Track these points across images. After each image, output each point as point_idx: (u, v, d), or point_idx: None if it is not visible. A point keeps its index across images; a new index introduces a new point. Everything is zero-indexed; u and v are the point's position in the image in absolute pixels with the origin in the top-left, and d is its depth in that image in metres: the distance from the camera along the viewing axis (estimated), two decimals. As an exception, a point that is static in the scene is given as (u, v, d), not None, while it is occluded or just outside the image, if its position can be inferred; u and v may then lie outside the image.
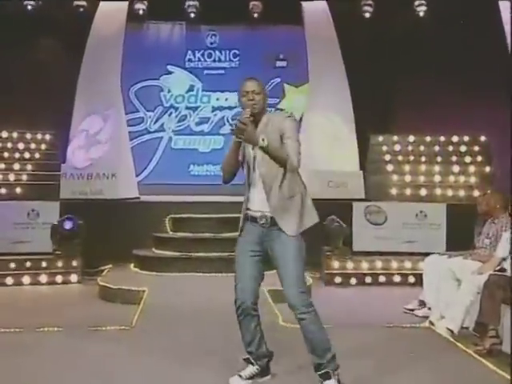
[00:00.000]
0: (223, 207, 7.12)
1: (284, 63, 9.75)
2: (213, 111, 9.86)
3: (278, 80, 9.66)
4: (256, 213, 3.27)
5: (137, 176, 8.90)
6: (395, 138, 8.59)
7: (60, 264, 6.71)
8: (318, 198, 7.35)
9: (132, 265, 6.85)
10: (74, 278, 6.72)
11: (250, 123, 3.15)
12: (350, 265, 6.72)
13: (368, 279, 6.68)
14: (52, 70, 8.85)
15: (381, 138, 8.63)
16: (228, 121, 9.80)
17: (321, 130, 8.38)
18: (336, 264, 6.70)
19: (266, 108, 3.34)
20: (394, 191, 7.89)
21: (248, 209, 3.30)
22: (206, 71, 9.92)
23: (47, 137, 8.70)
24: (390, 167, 8.28)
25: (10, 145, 8.46)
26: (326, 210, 6.91)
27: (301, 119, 8.96)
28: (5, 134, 8.51)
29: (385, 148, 8.52)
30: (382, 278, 6.68)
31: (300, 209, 3.29)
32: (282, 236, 3.23)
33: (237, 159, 3.27)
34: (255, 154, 3.25)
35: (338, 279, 6.67)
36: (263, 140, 3.11)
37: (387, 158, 8.42)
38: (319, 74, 8.56)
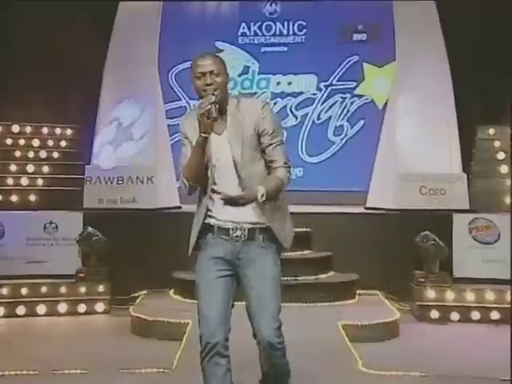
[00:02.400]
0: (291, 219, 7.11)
1: (363, 36, 9.70)
2: (273, 98, 9.87)
3: (356, 58, 9.62)
4: (226, 223, 3.19)
5: (178, 180, 8.92)
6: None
7: (83, 290, 6.84)
8: (406, 209, 7.51)
9: (172, 291, 6.90)
10: (100, 307, 6.84)
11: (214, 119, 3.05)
12: (450, 295, 6.62)
13: (475, 315, 6.55)
14: (74, 50, 9.07)
15: (492, 131, 8.43)
16: (291, 110, 9.83)
17: (410, 122, 8.25)
18: (431, 294, 6.61)
19: (228, 92, 3.23)
20: (508, 200, 7.69)
21: (210, 217, 3.21)
22: (263, 48, 9.96)
23: (68, 132, 8.88)
24: (503, 169, 8.08)
25: (22, 141, 8.63)
26: (418, 225, 6.92)
27: (384, 107, 8.89)
28: (16, 129, 8.66)
29: (497, 144, 8.31)
30: (494, 314, 6.53)
31: (287, 217, 3.32)
32: (266, 253, 3.19)
33: (203, 162, 3.14)
34: (219, 145, 3.17)
35: (434, 314, 6.57)
36: (262, 195, 3.03)
37: (500, 156, 8.21)
38: (410, 50, 8.41)
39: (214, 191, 3.20)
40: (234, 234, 3.18)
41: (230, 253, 3.19)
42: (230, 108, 3.20)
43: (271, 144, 3.19)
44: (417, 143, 8.02)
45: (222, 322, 3.13)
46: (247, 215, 3.16)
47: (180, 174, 3.22)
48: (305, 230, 7.13)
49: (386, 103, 8.82)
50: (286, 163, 3.20)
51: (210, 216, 3.23)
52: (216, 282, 3.17)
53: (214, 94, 3.06)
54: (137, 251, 7.11)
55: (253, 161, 3.18)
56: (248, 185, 3.12)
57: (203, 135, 3.07)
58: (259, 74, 9.98)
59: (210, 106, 3.02)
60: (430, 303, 6.59)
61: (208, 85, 3.11)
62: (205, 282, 3.18)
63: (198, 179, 3.18)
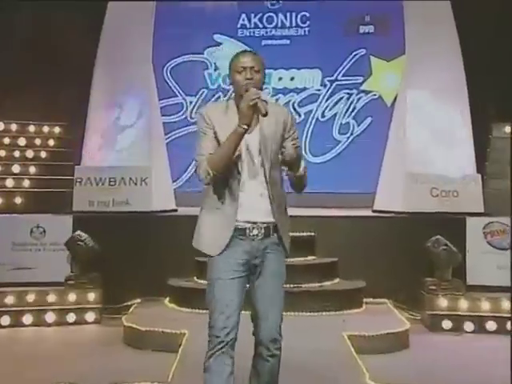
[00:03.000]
0: (291, 223, 7.07)
1: (370, 28, 9.70)
2: (274, 95, 9.90)
3: (363, 52, 9.63)
4: (244, 224, 3.38)
5: (174, 181, 9.01)
6: (529, 127, 8.41)
7: (73, 298, 6.82)
8: (416, 212, 7.49)
9: (167, 299, 6.91)
10: (91, 316, 6.82)
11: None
12: (463, 304, 6.60)
13: (491, 325, 6.53)
14: (63, 45, 9.09)
15: (508, 129, 8.44)
16: (294, 107, 9.82)
17: (420, 119, 8.24)
18: (443, 303, 6.60)
19: None
20: (525, 203, 7.68)
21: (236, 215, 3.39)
22: (264, 41, 9.97)
23: (56, 130, 8.91)
24: (521, 169, 8.06)
25: (7, 140, 8.66)
26: (429, 229, 6.92)
27: (393, 103, 8.89)
28: (0, 126, 8.70)
29: (514, 142, 8.31)
30: (510, 325, 6.49)
31: (290, 221, 3.54)
32: (276, 253, 3.42)
33: (235, 153, 3.34)
34: (248, 142, 3.37)
35: (446, 324, 6.56)
36: (305, 167, 3.40)
37: (518, 155, 8.19)
38: (420, 43, 8.39)
39: (231, 187, 3.37)
40: (251, 234, 3.38)
41: (244, 253, 3.38)
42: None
43: (293, 138, 3.45)
44: (428, 142, 8.01)
45: (237, 321, 3.33)
46: (262, 215, 3.37)
47: (201, 162, 3.34)
48: (308, 234, 7.16)
49: (394, 99, 8.83)
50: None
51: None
52: (231, 283, 3.35)
53: (258, 88, 3.29)
54: (130, 257, 7.10)
55: (276, 163, 3.43)
56: (271, 183, 3.38)
57: (245, 127, 3.25)
58: None
59: (257, 101, 3.21)
60: (442, 312, 6.57)
61: (248, 79, 3.34)
62: (221, 283, 3.35)
63: (226, 170, 3.33)
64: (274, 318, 3.39)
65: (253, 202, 3.37)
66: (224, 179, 3.36)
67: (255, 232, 3.38)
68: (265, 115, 3.22)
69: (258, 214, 3.38)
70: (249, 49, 3.53)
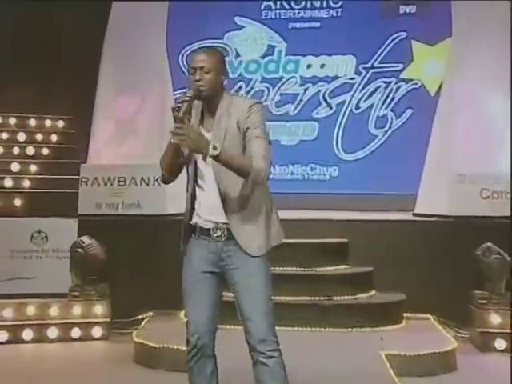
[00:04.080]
0: (318, 227, 7.12)
1: (412, 8, 9.67)
2: (302, 85, 9.91)
3: (403, 35, 9.59)
4: (207, 223, 3.67)
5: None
6: None
7: (78, 311, 6.82)
8: (463, 216, 7.41)
9: (183, 312, 6.81)
10: (97, 331, 6.82)
11: (187, 117, 3.49)
12: (519, 321, 6.51)
13: (552, 345, 6.42)
14: (67, 32, 9.14)
15: None
16: (325, 98, 9.80)
17: (469, 111, 8.16)
18: (496, 319, 6.51)
19: (223, 89, 3.67)
20: None
21: (192, 217, 3.71)
22: (291, 24, 9.98)
23: (60, 124, 8.94)
24: None
25: (5, 135, 8.70)
26: (478, 235, 6.86)
27: (437, 93, 8.82)
28: (-2, 119, 8.78)
29: None
30: None
31: (265, 222, 3.70)
32: (244, 254, 3.63)
33: (178, 160, 3.67)
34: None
35: (499, 343, 6.47)
36: (214, 148, 3.38)
37: None
38: (469, 24, 8.32)
39: (194, 186, 3.68)
40: (215, 235, 3.66)
41: (210, 252, 3.67)
42: (221, 105, 3.63)
43: (251, 136, 3.56)
44: (477, 137, 7.93)
45: (208, 321, 3.67)
46: (221, 215, 3.62)
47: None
48: (340, 240, 7.15)
49: (439, 88, 8.77)
50: (264, 157, 3.51)
51: (193, 215, 3.72)
52: (198, 284, 3.68)
53: (198, 90, 3.53)
54: (142, 265, 7.13)
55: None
56: (228, 184, 3.58)
57: (173, 141, 3.48)
58: (286, 55, 9.99)
59: (180, 105, 3.44)
60: (493, 330, 6.47)
61: (196, 81, 3.55)
62: (188, 286, 3.70)
63: (172, 173, 3.72)
64: (257, 318, 3.57)
65: (211, 201, 3.63)
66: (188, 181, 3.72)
67: (219, 233, 3.63)
68: (179, 120, 3.41)
69: (218, 214, 3.62)
70: (207, 46, 3.78)
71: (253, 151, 3.51)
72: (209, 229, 3.65)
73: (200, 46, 3.76)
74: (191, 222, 3.70)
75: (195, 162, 3.66)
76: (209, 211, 3.64)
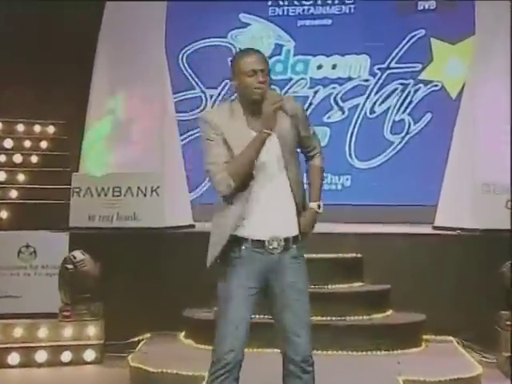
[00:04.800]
0: (330, 241, 7.09)
1: (432, 4, 9.66)
2: (312, 87, 9.92)
3: (422, 33, 9.60)
4: (261, 234, 3.71)
5: (191, 192, 9.03)
6: None
7: (69, 332, 6.78)
8: (488, 229, 7.34)
9: (183, 334, 6.89)
10: (90, 354, 6.78)
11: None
12: (549, 344, 6.43)
13: None
14: (58, 28, 9.15)
15: None
16: (337, 101, 9.81)
17: (494, 115, 8.12)
18: (524, 342, 6.43)
19: None
20: None
21: (238, 228, 3.73)
22: (301, 22, 10.01)
23: (50, 129, 8.95)
24: None
25: (-9, 142, 8.72)
26: (505, 250, 6.78)
27: (459, 96, 8.79)
28: (-18, 126, 8.80)
29: None
30: None
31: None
32: (299, 264, 3.79)
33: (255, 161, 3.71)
34: (270, 146, 3.70)
35: (528, 368, 6.38)
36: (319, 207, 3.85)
37: None
38: (494, 21, 8.31)
39: (247, 197, 3.70)
40: (271, 246, 3.71)
41: (261, 266, 3.72)
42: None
43: (309, 135, 3.91)
44: (502, 143, 7.86)
45: (245, 339, 3.71)
46: (282, 225, 3.73)
47: (217, 172, 3.67)
48: (354, 255, 7.14)
49: (461, 91, 8.73)
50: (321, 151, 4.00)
51: (241, 227, 3.73)
52: (244, 299, 3.71)
53: (263, 93, 3.67)
54: (138, 283, 7.11)
55: (294, 161, 3.81)
56: (293, 187, 3.75)
57: (270, 132, 3.62)
58: (295, 54, 10.00)
59: (282, 103, 3.63)
60: (522, 355, 6.45)
61: (262, 82, 3.68)
62: (233, 298, 3.72)
63: (247, 179, 3.68)
64: (305, 333, 3.71)
65: (269, 210, 3.71)
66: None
67: (275, 245, 3.70)
68: (292, 117, 3.70)
69: (273, 225, 3.72)
70: (254, 48, 3.85)
71: (314, 147, 3.94)
72: (263, 241, 3.71)
73: (246, 50, 3.84)
74: (238, 234, 3.72)
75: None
76: (264, 222, 3.71)
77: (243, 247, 3.72)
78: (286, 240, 3.72)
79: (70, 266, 6.78)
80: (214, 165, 3.67)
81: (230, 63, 3.82)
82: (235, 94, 3.83)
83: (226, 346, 3.67)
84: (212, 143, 3.70)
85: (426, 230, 7.88)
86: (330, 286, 6.81)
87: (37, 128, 8.94)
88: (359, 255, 7.13)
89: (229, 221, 3.72)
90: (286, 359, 3.73)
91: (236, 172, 3.64)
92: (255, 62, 3.70)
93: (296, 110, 3.80)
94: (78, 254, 6.87)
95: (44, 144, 8.87)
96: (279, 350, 3.80)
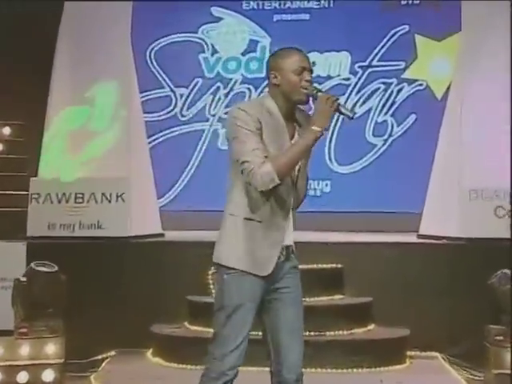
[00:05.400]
0: (308, 251, 6.91)
1: (416, -1, 9.77)
2: None
3: (406, 29, 9.69)
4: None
5: (159, 198, 9.03)
6: None
7: (26, 350, 6.70)
8: (476, 238, 7.38)
9: (150, 351, 6.89)
10: (49, 375, 6.61)
11: None
12: (541, 360, 6.46)
13: None
14: (16, 23, 9.22)
15: None
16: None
17: (481, 116, 8.15)
18: (514, 358, 6.47)
19: None
20: None
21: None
22: (277, 16, 10.06)
23: (6, 131, 9.00)
24: None
25: None
26: (493, 260, 6.80)
27: (444, 96, 8.86)
28: None
29: None
30: None
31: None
32: (296, 274, 3.83)
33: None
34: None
35: (518, 386, 6.40)
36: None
37: None
38: (481, 16, 8.34)
39: (271, 207, 3.75)
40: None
41: (269, 279, 3.72)
42: (298, 113, 3.82)
43: None
44: (490, 147, 7.92)
45: (243, 355, 3.70)
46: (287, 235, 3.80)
47: (260, 165, 3.58)
48: (334, 266, 7.14)
49: (447, 91, 8.80)
50: None
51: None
52: (250, 314, 3.70)
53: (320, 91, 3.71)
54: (102, 297, 7.08)
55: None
56: (296, 197, 3.85)
57: (321, 130, 3.59)
58: (271, 51, 9.85)
59: (338, 102, 3.63)
60: (512, 371, 6.49)
61: (309, 81, 3.72)
62: (243, 312, 3.68)
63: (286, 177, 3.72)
64: (298, 350, 3.75)
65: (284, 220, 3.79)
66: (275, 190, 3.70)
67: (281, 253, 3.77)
68: (351, 118, 3.65)
69: (286, 234, 3.81)
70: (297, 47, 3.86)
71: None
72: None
73: (294, 47, 3.83)
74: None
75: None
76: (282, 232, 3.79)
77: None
78: (288, 248, 3.79)
79: (23, 279, 6.71)
80: (256, 156, 3.60)
81: (268, 58, 3.85)
82: (265, 91, 3.87)
83: (230, 362, 3.66)
84: (252, 134, 3.66)
85: (411, 238, 7.91)
86: (308, 299, 6.62)
87: (-8, 128, 8.90)
88: (339, 266, 7.14)
89: (275, 225, 3.75)
90: (277, 377, 3.74)
91: (283, 167, 3.61)
92: (304, 59, 3.76)
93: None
94: (40, 264, 6.82)
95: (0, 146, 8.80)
96: (264, 368, 3.82)
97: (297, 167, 3.73)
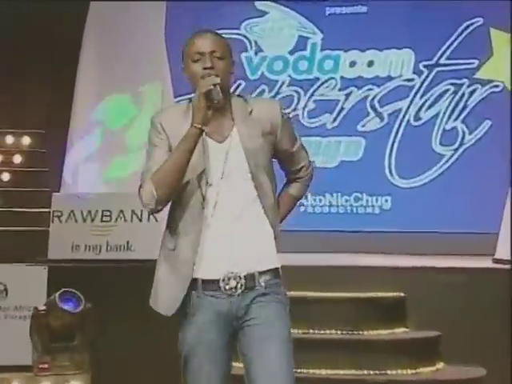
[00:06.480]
0: (366, 277, 7.14)
1: (490, -12, 9.71)
2: (343, 88, 9.93)
3: (479, 21, 9.57)
4: (213, 272, 3.53)
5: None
6: None
7: (47, 391, 6.73)
8: None
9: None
10: (72, 419, 6.70)
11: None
12: None
13: None
14: (37, 24, 9.21)
15: None
16: (374, 106, 9.82)
17: None
18: None
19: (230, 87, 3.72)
20: None
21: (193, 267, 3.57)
22: (330, 9, 10.04)
23: (25, 141, 8.97)
24: None
25: (-48, 157, 8.84)
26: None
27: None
28: None
29: None
30: None
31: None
32: (268, 303, 3.55)
33: (187, 166, 3.50)
34: (233, 158, 3.55)
35: None
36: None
37: None
38: None
39: (196, 223, 3.53)
40: (227, 287, 3.51)
41: (220, 314, 3.55)
42: (235, 108, 3.62)
43: (293, 148, 3.75)
44: None
45: None
46: (246, 257, 3.53)
47: (145, 181, 3.53)
48: (396, 294, 7.12)
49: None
50: (309, 163, 3.83)
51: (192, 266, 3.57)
52: (210, 355, 3.57)
53: (214, 81, 3.46)
54: (134, 327, 7.05)
55: (268, 175, 3.61)
56: (266, 209, 3.59)
57: (198, 126, 3.41)
58: (323, 49, 10.03)
59: (212, 87, 3.40)
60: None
61: (207, 68, 3.51)
62: (195, 365, 3.59)
63: (174, 191, 3.51)
64: None
65: (232, 240, 3.52)
66: (181, 207, 3.57)
67: (232, 284, 3.52)
68: (217, 103, 3.41)
69: (229, 258, 3.52)
70: (209, 29, 3.73)
71: (300, 167, 3.77)
72: (217, 280, 3.52)
73: (201, 30, 3.68)
74: (193, 276, 3.55)
75: (199, 187, 3.53)
76: (219, 254, 3.52)
77: (193, 292, 3.56)
78: (250, 277, 3.53)
79: (41, 308, 6.69)
80: (145, 173, 3.53)
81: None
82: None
83: None
84: (153, 149, 3.58)
85: (485, 263, 7.78)
86: (365, 332, 6.77)
87: (9, 139, 9.00)
88: (402, 294, 7.09)
89: (183, 255, 3.58)
90: None
91: (160, 179, 3.47)
92: (203, 43, 3.56)
93: (273, 117, 3.64)
94: (64, 294, 6.81)
95: (18, 158, 8.93)
96: None
97: (219, 173, 3.51)
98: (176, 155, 3.45)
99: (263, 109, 3.65)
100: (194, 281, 3.53)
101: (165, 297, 3.73)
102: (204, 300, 3.54)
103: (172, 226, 3.61)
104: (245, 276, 3.49)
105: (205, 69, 3.49)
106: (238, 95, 3.74)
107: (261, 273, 3.53)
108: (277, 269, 3.59)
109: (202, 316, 3.56)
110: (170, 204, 3.57)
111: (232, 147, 3.53)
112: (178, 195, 3.53)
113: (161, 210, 3.56)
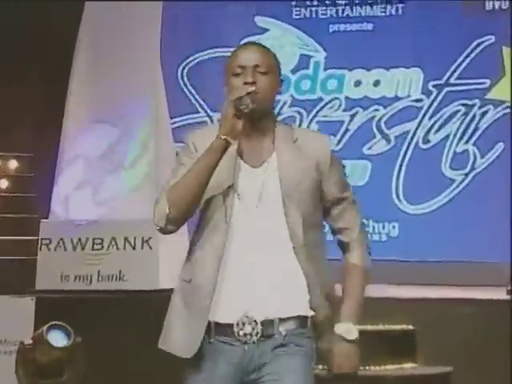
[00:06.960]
0: (373, 309, 6.87)
1: (503, 4, 9.58)
2: (348, 109, 9.93)
3: (491, 39, 9.54)
4: (229, 314, 3.33)
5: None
6: None
7: (32, 430, 6.69)
8: None
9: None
10: None
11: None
12: None
13: None
14: (27, 34, 9.20)
15: None
16: (380, 128, 9.80)
17: None
18: None
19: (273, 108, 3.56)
20: None
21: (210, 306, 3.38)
22: (333, 26, 10.04)
23: (12, 164, 9.01)
24: None
25: None
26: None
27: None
28: None
29: None
30: None
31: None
32: (293, 358, 3.35)
33: (207, 183, 3.32)
34: (265, 181, 3.38)
35: None
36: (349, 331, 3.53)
37: None
38: None
39: (215, 257, 3.34)
40: (241, 332, 3.30)
41: (233, 367, 3.35)
42: (278, 133, 3.43)
43: (341, 199, 3.54)
44: None
45: None
46: (267, 300, 3.31)
47: (160, 195, 3.37)
48: (404, 327, 7.13)
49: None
50: (362, 227, 3.58)
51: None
52: None
53: (250, 97, 3.30)
54: (126, 361, 7.12)
55: (303, 214, 3.38)
56: (307, 250, 3.39)
57: (223, 137, 3.25)
58: (327, 68, 10.03)
59: (242, 94, 3.26)
60: None
61: (248, 83, 3.35)
62: None
63: (189, 210, 3.37)
64: None
65: (254, 278, 3.33)
66: (203, 234, 3.42)
67: (248, 330, 3.31)
68: (245, 108, 3.25)
69: (262, 301, 3.32)
70: (255, 42, 3.69)
71: (348, 227, 3.57)
72: (231, 324, 3.32)
73: (246, 42, 3.67)
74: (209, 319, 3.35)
75: (225, 213, 3.36)
76: (236, 295, 3.33)
77: (205, 336, 3.34)
78: (268, 323, 3.31)
79: (28, 342, 6.67)
80: (164, 188, 3.38)
81: None
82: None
83: None
84: (179, 167, 3.41)
85: (499, 294, 7.73)
86: (372, 368, 6.77)
87: (-3, 162, 8.99)
88: (410, 327, 7.10)
89: (200, 290, 3.35)
90: None
91: (175, 194, 3.31)
92: (247, 56, 3.43)
93: (322, 153, 3.46)
94: (54, 328, 6.80)
95: (4, 183, 8.98)
96: None
97: (248, 201, 3.35)
98: (196, 168, 3.28)
99: (311, 141, 3.48)
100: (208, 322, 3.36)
101: (178, 335, 3.52)
102: (216, 346, 3.35)
103: (190, 254, 3.45)
104: (262, 322, 3.29)
105: (245, 84, 3.36)
106: (284, 122, 3.59)
107: (282, 319, 3.32)
108: (304, 317, 3.35)
109: (214, 367, 3.36)
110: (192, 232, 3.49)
111: (268, 174, 3.36)
112: (200, 225, 3.42)
113: (171, 231, 3.39)
